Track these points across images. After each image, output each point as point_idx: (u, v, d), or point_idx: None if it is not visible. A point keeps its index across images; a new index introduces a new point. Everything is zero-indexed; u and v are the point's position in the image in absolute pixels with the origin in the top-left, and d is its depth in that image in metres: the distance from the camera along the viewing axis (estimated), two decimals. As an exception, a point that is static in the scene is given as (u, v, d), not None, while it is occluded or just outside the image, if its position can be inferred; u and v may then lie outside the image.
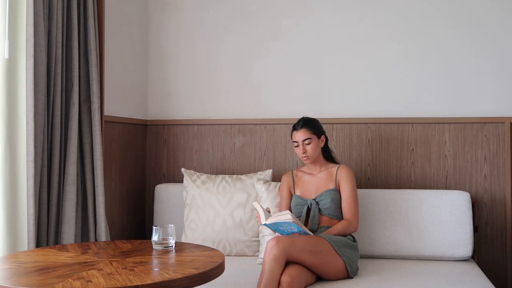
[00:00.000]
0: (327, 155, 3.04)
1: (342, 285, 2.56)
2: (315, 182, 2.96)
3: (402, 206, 3.10)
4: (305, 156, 2.92)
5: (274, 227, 2.61)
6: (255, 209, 2.69)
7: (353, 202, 2.86)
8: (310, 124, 2.94)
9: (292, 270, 2.46)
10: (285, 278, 2.42)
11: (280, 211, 3.00)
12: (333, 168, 2.97)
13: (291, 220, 2.51)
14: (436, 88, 3.37)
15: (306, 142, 2.91)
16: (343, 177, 2.90)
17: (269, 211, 2.64)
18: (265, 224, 2.60)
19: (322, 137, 2.98)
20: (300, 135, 2.91)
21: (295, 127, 2.96)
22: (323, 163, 3.00)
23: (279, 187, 3.10)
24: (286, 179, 3.05)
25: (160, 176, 3.69)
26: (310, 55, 3.52)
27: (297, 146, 2.94)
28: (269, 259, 2.45)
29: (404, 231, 3.07)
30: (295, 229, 2.58)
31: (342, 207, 2.87)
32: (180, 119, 3.67)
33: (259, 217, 2.66)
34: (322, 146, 2.98)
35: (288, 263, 2.50)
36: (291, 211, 2.97)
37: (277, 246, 2.47)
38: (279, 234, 2.69)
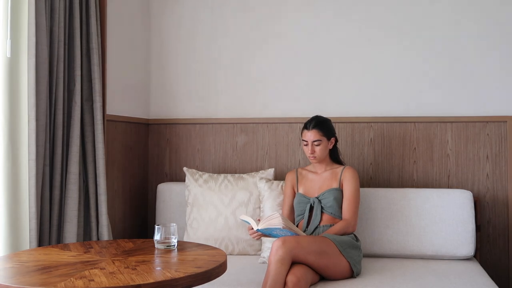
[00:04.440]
0: (334, 156, 3.03)
1: (346, 284, 2.56)
2: (319, 180, 2.96)
3: (404, 205, 3.09)
4: (312, 156, 2.92)
5: (267, 232, 2.60)
6: (244, 220, 2.67)
7: (353, 203, 2.85)
8: (322, 126, 2.91)
9: (297, 270, 2.46)
10: (291, 278, 2.42)
11: (283, 208, 3.01)
12: (339, 168, 2.97)
13: (282, 226, 2.50)
14: (438, 87, 3.37)
15: (316, 143, 2.90)
16: (348, 178, 2.90)
17: (259, 220, 2.62)
18: (258, 230, 2.59)
19: (332, 139, 2.97)
20: (311, 135, 2.90)
21: (306, 126, 2.93)
22: (329, 163, 3.00)
23: (283, 184, 3.10)
24: (290, 176, 3.05)
25: (162, 175, 3.69)
26: (312, 53, 3.52)
27: (306, 145, 2.93)
28: (275, 260, 2.44)
29: (406, 230, 3.07)
30: (288, 234, 2.57)
31: (342, 207, 2.86)
32: (182, 118, 3.67)
33: (250, 228, 2.65)
34: (330, 148, 2.98)
35: (293, 262, 2.50)
36: (293, 209, 2.97)
37: (283, 247, 2.46)
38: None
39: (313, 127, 2.90)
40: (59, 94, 2.69)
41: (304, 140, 2.94)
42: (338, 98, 3.48)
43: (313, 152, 2.90)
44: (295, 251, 2.49)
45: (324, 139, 2.91)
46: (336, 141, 3.02)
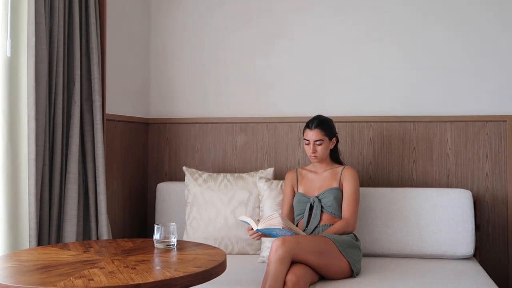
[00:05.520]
0: (335, 156, 3.04)
1: (345, 284, 2.56)
2: (318, 180, 2.96)
3: (404, 205, 3.09)
4: (314, 156, 2.92)
5: (267, 232, 2.60)
6: (243, 221, 2.68)
7: (353, 202, 2.85)
8: (324, 125, 2.92)
9: (297, 270, 2.46)
10: (290, 277, 2.42)
11: (283, 207, 3.01)
12: (338, 168, 2.97)
13: (281, 226, 2.50)
14: (438, 86, 3.37)
15: (318, 143, 2.90)
16: (347, 177, 2.90)
17: (258, 220, 2.63)
18: (257, 230, 2.59)
19: (334, 139, 2.97)
20: (313, 134, 2.90)
21: (308, 125, 2.93)
22: (329, 162, 3.00)
23: (283, 184, 3.10)
24: (290, 176, 3.05)
25: (162, 174, 3.69)
26: (312, 53, 3.52)
27: (307, 144, 2.93)
28: (275, 260, 2.44)
29: (406, 230, 3.07)
30: (288, 234, 2.57)
31: (342, 206, 2.87)
32: (182, 118, 3.66)
33: (250, 229, 2.66)
34: (332, 147, 2.98)
35: (292, 262, 2.50)
36: (293, 208, 2.97)
37: (282, 246, 2.46)
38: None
39: (316, 127, 2.90)
40: (58, 93, 2.69)
41: (305, 139, 2.94)
42: (338, 98, 3.48)
43: (314, 151, 2.91)
44: (295, 250, 2.48)
45: (326, 139, 2.92)
46: (337, 141, 3.02)
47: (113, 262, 2.00)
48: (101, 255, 2.11)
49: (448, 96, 3.36)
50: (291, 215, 2.98)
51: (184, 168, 3.36)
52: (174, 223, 2.30)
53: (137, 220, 3.56)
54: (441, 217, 3.04)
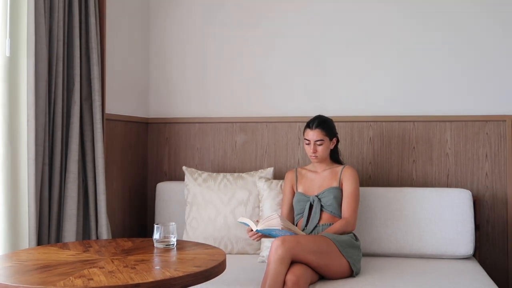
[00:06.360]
0: (335, 156, 3.04)
1: (345, 284, 2.57)
2: (318, 179, 2.96)
3: (404, 204, 3.09)
4: (314, 156, 2.92)
5: (266, 232, 2.60)
6: (242, 223, 2.68)
7: (353, 202, 2.85)
8: (325, 125, 2.92)
9: (297, 269, 2.46)
10: (290, 277, 2.42)
11: (283, 207, 3.01)
12: (338, 168, 2.97)
13: (281, 227, 2.50)
14: (437, 86, 3.37)
15: (318, 143, 2.90)
16: (347, 177, 2.90)
17: (257, 221, 2.63)
18: (257, 230, 2.59)
19: (334, 139, 2.98)
20: (314, 134, 2.90)
21: (309, 125, 2.93)
22: (329, 162, 3.00)
23: (282, 183, 3.10)
24: (289, 176, 3.05)
25: (162, 174, 3.69)
26: (312, 53, 3.52)
27: (307, 144, 2.93)
28: (274, 260, 2.44)
29: (406, 229, 3.07)
30: (287, 234, 2.57)
31: (342, 206, 2.87)
32: (181, 117, 3.66)
33: (249, 230, 2.65)
34: (332, 148, 2.98)
35: (292, 262, 2.50)
36: (292, 208, 2.97)
37: (282, 246, 2.46)
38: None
39: (316, 127, 2.90)
40: (58, 93, 2.69)
41: (306, 139, 2.93)
42: (337, 97, 3.48)
43: (315, 151, 2.91)
44: (295, 250, 2.48)
45: (327, 139, 2.92)
46: (338, 141, 3.02)
47: (112, 261, 2.00)
48: (101, 255, 2.11)
49: (448, 96, 3.36)
50: (290, 215, 2.98)
51: (184, 167, 3.36)
52: (173, 223, 2.30)
53: (136, 219, 3.56)
54: (441, 217, 3.04)
